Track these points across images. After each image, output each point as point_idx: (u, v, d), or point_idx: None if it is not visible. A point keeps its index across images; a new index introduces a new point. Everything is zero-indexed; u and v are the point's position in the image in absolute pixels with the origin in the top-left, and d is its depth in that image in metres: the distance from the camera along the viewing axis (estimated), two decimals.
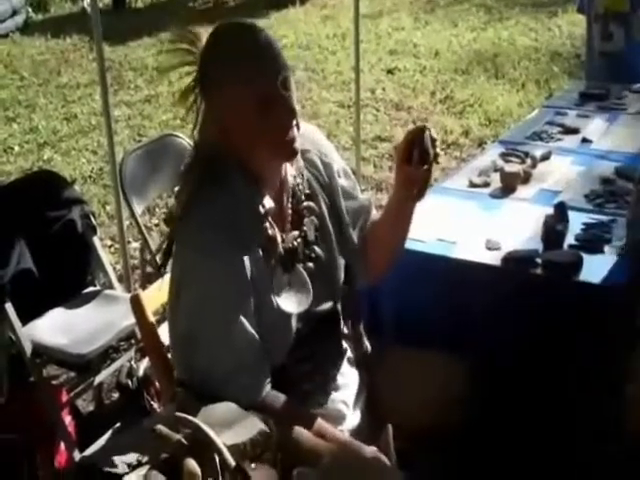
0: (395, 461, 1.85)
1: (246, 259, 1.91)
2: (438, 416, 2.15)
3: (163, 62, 2.00)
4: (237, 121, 1.91)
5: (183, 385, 1.99)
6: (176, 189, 2.02)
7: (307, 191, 2.13)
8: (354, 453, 1.89)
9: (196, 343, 1.92)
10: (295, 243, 2.06)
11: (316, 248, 2.11)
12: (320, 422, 1.98)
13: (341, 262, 2.20)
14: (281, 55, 1.91)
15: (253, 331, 1.93)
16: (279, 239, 2.01)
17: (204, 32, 1.96)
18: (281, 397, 1.97)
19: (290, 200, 2.09)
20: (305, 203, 2.11)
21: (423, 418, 2.14)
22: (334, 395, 2.18)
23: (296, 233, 2.07)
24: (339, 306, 2.20)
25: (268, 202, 1.98)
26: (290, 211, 2.09)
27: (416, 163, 2.02)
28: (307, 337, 2.07)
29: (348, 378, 2.25)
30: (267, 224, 1.99)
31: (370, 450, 1.88)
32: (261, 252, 1.96)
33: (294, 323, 2.02)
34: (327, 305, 2.14)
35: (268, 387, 1.97)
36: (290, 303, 2.00)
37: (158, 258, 2.02)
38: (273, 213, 2.00)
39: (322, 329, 2.13)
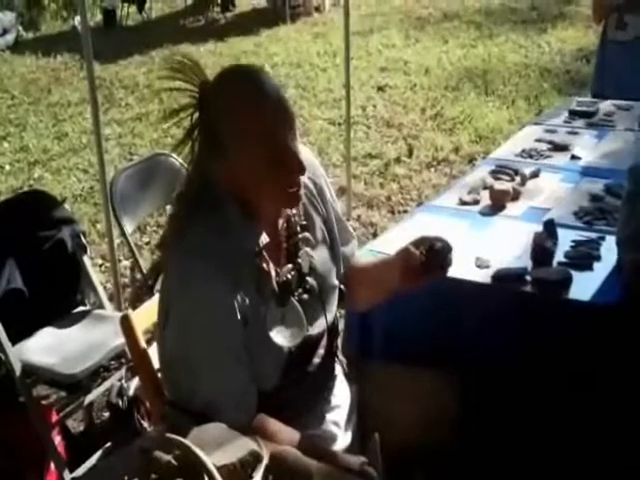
0: (382, 470, 1.85)
1: (237, 292, 1.89)
2: (429, 431, 2.15)
3: (157, 84, 1.97)
4: (245, 170, 1.88)
5: (173, 405, 1.99)
6: (169, 213, 2.01)
7: (303, 222, 2.11)
8: (342, 471, 1.88)
9: (182, 366, 1.91)
10: (289, 276, 2.04)
11: (309, 279, 2.09)
12: (310, 443, 1.97)
13: (335, 285, 2.21)
14: (289, 106, 1.90)
15: (240, 356, 1.92)
16: (273, 274, 1.99)
17: (201, 68, 1.92)
18: (269, 420, 1.96)
19: (285, 231, 2.07)
20: (300, 235, 2.09)
21: (414, 433, 2.15)
22: (326, 416, 2.18)
23: (290, 266, 2.05)
24: (334, 326, 2.21)
25: (264, 238, 1.96)
26: (285, 244, 2.07)
27: (422, 266, 2.07)
28: (300, 359, 2.07)
29: (340, 398, 2.25)
30: (261, 260, 1.97)
31: (357, 460, 1.88)
32: (254, 286, 1.94)
33: (286, 349, 2.01)
34: (321, 328, 2.14)
35: (254, 411, 1.96)
36: (283, 337, 1.99)
37: (149, 281, 2.02)
38: (268, 248, 1.98)
39: (315, 351, 2.14)
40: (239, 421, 1.86)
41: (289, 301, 2.01)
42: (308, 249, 2.10)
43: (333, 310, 2.19)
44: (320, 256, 2.14)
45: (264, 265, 1.97)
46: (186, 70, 1.91)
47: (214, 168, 1.91)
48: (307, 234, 2.11)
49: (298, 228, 2.09)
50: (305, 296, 2.06)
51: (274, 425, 1.95)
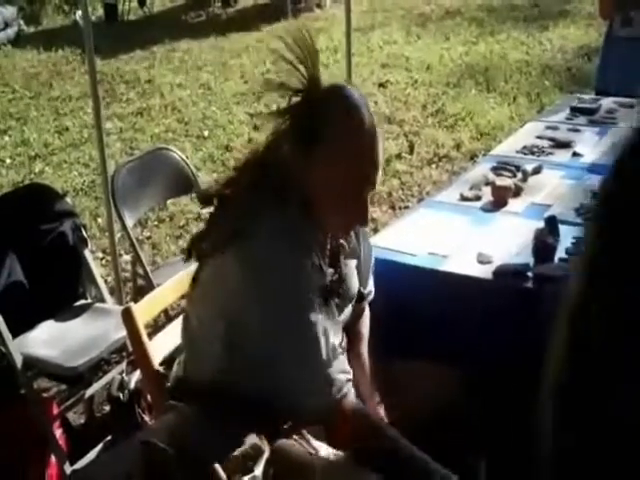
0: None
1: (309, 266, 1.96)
2: (431, 426, 2.16)
3: (276, 77, 1.98)
4: (321, 181, 1.94)
5: (174, 397, 1.99)
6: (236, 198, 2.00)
7: None
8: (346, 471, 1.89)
9: (277, 354, 1.93)
10: (333, 278, 2.09)
11: (344, 285, 2.16)
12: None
13: (355, 295, 2.27)
14: (380, 165, 1.96)
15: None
16: (325, 269, 2.05)
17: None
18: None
19: (330, 237, 2.13)
20: (340, 241, 2.15)
21: (415, 429, 2.15)
22: None
23: (332, 271, 2.10)
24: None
25: (318, 234, 2.04)
26: (329, 247, 2.12)
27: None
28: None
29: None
30: (314, 253, 2.01)
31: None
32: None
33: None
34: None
35: (345, 390, 1.98)
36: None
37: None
38: (317, 245, 2.04)
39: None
40: (338, 390, 1.94)
41: (329, 302, 2.05)
42: (342, 257, 2.17)
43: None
44: (350, 266, 2.21)
45: (316, 259, 2.01)
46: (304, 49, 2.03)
47: (294, 162, 1.94)
48: (344, 242, 2.17)
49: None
50: (338, 301, 2.11)
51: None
